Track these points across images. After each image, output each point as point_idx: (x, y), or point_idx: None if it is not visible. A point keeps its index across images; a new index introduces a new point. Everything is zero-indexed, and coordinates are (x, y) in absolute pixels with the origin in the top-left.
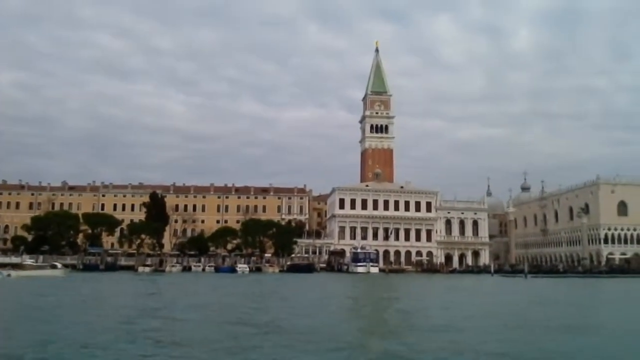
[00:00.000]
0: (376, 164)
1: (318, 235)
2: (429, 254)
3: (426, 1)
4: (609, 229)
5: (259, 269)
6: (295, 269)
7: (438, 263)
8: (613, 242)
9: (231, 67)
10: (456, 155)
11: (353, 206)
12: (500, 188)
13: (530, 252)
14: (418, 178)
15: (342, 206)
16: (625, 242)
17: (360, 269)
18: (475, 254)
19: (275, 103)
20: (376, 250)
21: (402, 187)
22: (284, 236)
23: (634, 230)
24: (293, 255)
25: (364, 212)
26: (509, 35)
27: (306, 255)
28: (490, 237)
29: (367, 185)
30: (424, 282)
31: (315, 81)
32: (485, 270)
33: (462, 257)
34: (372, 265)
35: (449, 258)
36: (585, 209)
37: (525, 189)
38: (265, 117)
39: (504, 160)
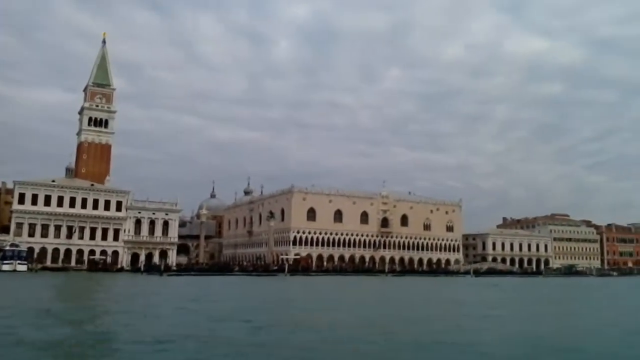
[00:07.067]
0: (91, 158)
1: (6, 230)
2: (115, 253)
3: None
4: (299, 232)
5: None
6: None
7: (123, 262)
8: (301, 244)
9: None
10: (214, 155)
11: (35, 202)
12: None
13: (239, 252)
14: (165, 175)
15: (21, 201)
16: (312, 244)
17: (5, 267)
18: (164, 254)
19: (14, 80)
20: (50, 248)
21: (92, 184)
22: None
23: (320, 233)
24: None
25: (45, 209)
26: (271, 44)
27: None
28: (207, 237)
29: (53, 181)
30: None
31: (65, 63)
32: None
33: (149, 256)
34: (19, 264)
35: (135, 257)
36: (272, 214)
37: (247, 192)
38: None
39: (262, 163)
